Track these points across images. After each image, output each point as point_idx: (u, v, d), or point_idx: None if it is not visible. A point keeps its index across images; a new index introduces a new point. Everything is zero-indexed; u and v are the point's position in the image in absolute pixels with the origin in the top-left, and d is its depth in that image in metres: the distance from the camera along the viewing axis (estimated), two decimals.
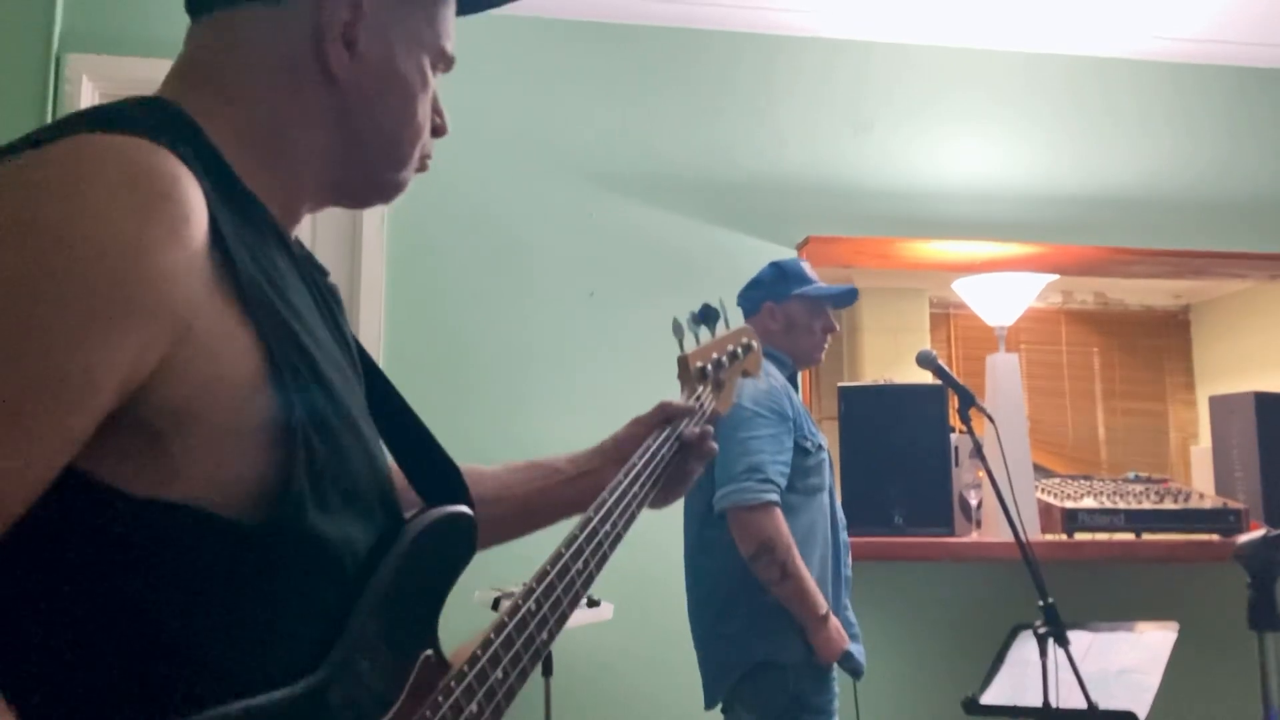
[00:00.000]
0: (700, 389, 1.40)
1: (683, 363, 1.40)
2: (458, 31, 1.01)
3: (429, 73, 0.97)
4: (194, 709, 0.70)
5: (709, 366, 1.44)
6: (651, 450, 1.23)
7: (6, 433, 0.67)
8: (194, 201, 0.75)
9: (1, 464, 0.67)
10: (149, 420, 0.73)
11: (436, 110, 1.00)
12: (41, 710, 0.68)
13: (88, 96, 3.09)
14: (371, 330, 3.20)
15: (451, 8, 1.00)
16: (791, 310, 2.69)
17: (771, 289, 2.70)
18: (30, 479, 0.68)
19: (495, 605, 2.64)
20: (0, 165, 0.74)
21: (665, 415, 1.29)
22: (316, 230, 3.25)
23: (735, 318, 2.74)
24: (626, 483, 1.16)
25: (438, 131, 1.01)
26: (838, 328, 2.76)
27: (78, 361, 0.68)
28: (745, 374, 1.58)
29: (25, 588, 0.71)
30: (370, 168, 0.95)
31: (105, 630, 0.71)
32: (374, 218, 3.26)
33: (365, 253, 3.23)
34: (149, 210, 0.72)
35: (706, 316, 1.47)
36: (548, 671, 2.72)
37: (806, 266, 2.76)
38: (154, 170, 0.74)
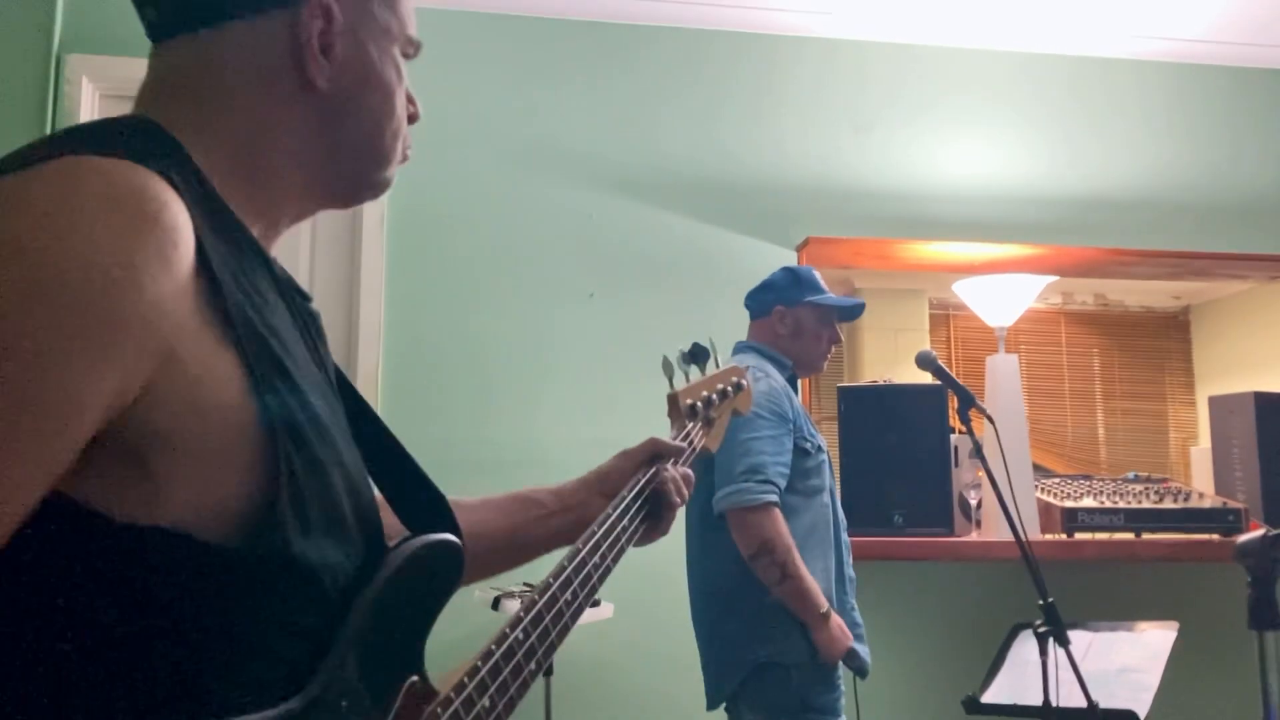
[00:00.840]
0: (690, 426, 1.40)
1: (672, 400, 1.39)
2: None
3: (402, 64, 0.97)
4: None
5: (699, 404, 1.43)
6: (641, 485, 1.22)
7: None
8: (181, 225, 0.75)
9: None
10: (132, 445, 0.72)
11: (409, 98, 1.00)
12: None
13: (88, 97, 3.09)
14: (371, 330, 3.20)
15: None
16: (801, 316, 2.71)
17: (784, 293, 2.71)
18: (14, 504, 0.68)
19: (495, 605, 2.64)
20: None
21: (654, 451, 1.28)
22: (317, 230, 3.25)
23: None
24: (615, 516, 1.15)
25: (412, 119, 1.00)
26: (842, 339, 2.79)
27: (62, 385, 0.68)
28: (736, 412, 1.58)
29: (6, 612, 0.71)
30: (357, 170, 0.95)
31: (86, 654, 0.71)
32: (374, 218, 3.26)
33: (365, 253, 3.23)
34: (137, 234, 0.71)
35: (696, 355, 1.47)
36: (548, 672, 2.72)
37: (818, 275, 2.79)
38: (142, 194, 0.73)
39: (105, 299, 0.69)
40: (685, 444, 1.34)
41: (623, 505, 1.18)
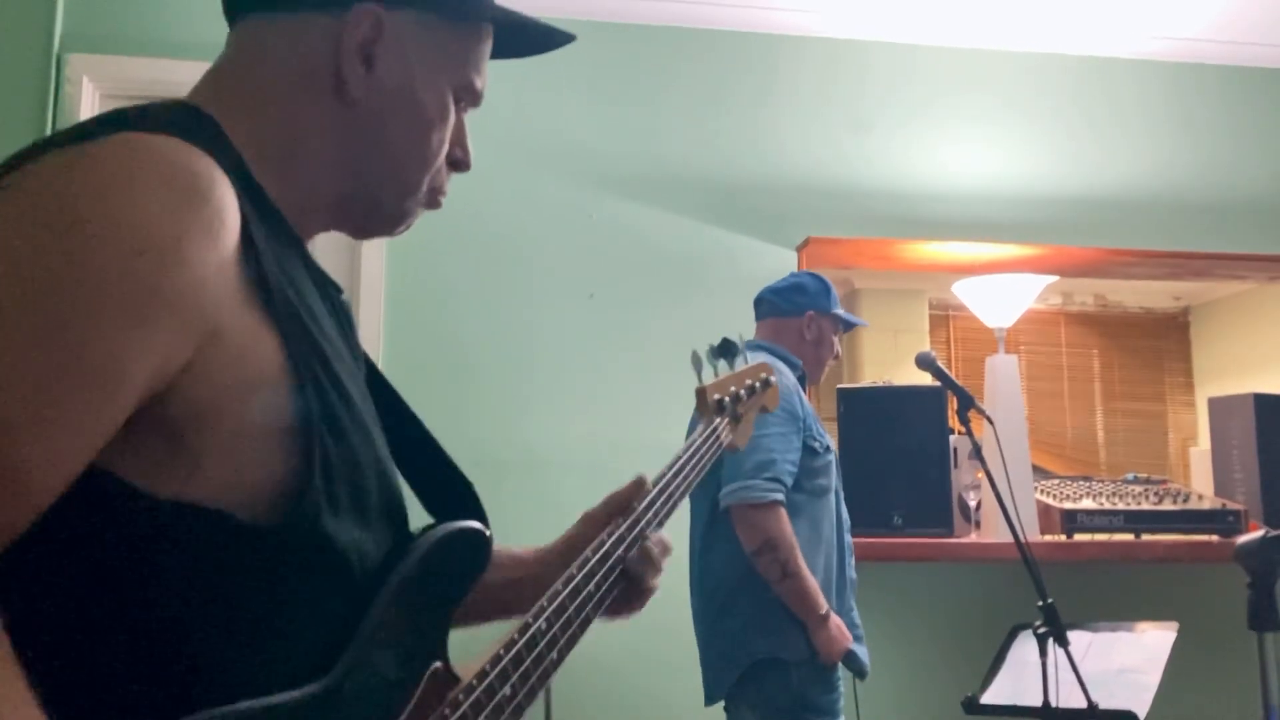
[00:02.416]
0: (718, 421, 1.40)
1: (701, 395, 1.39)
2: None
3: (450, 104, 0.96)
4: (205, 708, 0.70)
5: (727, 400, 1.43)
6: (680, 465, 1.24)
7: (38, 420, 0.67)
8: (229, 205, 0.76)
9: (32, 452, 0.67)
10: (172, 420, 0.73)
11: (459, 144, 1.00)
12: (61, 706, 0.69)
13: (88, 97, 3.09)
14: (371, 330, 3.20)
15: (486, 44, 0.99)
16: (825, 326, 2.75)
17: (817, 300, 2.75)
18: (59, 469, 0.68)
19: None
20: (47, 157, 0.75)
21: (616, 506, 1.17)
22: None
23: (749, 332, 2.76)
24: (642, 508, 1.17)
25: (458, 165, 1.01)
26: (841, 354, 2.85)
27: (110, 354, 0.69)
28: (763, 409, 1.58)
29: (44, 584, 0.71)
30: (376, 190, 0.95)
31: (117, 628, 0.72)
32: None
33: (365, 253, 3.23)
34: (187, 210, 0.73)
35: (725, 350, 1.47)
36: None
37: None
38: (193, 171, 0.75)
39: (153, 273, 0.71)
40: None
41: (654, 494, 1.19)
